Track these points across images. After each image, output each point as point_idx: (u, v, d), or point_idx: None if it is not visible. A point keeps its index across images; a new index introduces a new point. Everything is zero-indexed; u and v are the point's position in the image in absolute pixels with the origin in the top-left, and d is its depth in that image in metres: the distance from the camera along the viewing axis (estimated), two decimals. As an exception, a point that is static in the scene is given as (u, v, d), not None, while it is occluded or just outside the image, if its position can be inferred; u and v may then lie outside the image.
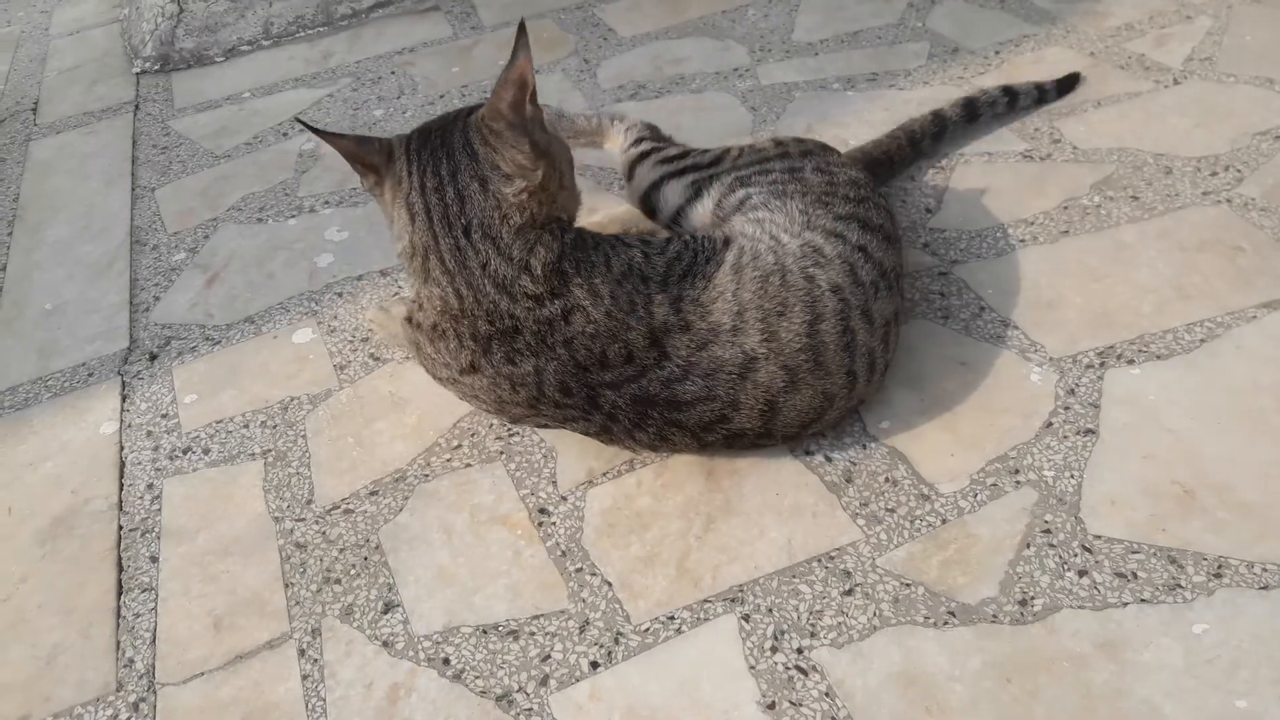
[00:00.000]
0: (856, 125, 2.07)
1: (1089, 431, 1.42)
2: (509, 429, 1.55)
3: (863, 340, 1.36)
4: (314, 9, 2.79)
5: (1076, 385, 1.49)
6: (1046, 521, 1.32)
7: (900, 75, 2.21)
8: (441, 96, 2.40)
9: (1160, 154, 1.88)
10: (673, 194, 1.63)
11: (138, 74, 2.73)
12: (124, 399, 1.73)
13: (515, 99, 1.29)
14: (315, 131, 1.34)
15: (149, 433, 1.66)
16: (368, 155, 1.34)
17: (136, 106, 2.58)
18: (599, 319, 1.28)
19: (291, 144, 2.32)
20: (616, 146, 1.91)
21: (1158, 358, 1.51)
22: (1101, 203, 1.80)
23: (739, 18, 2.51)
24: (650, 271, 1.33)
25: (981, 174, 1.90)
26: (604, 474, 1.47)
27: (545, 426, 1.46)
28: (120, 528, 1.52)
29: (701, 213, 1.58)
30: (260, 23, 2.77)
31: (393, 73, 2.53)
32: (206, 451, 1.61)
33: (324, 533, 1.45)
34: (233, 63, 2.71)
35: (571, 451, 1.51)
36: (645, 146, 1.77)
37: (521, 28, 1.29)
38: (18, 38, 3.07)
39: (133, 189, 2.27)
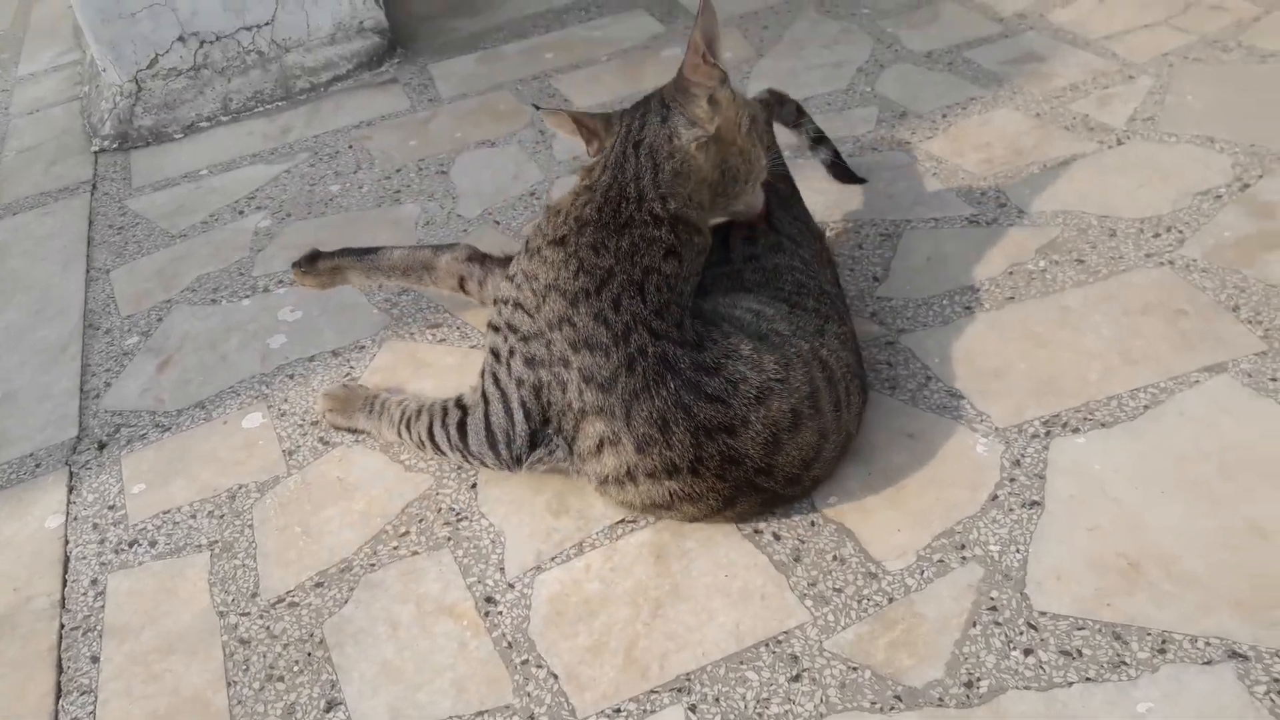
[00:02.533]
0: (807, 192, 2.07)
1: (1034, 504, 1.42)
2: (457, 515, 1.54)
3: (840, 378, 1.45)
4: (273, 84, 2.81)
5: (1022, 456, 1.49)
6: (992, 599, 1.31)
7: (849, 141, 2.23)
8: (398, 170, 2.41)
9: (1105, 215, 1.91)
10: None
11: (96, 152, 2.74)
12: (71, 490, 1.72)
13: (692, 61, 1.53)
14: (547, 112, 1.61)
15: (95, 525, 1.64)
16: (593, 123, 1.56)
17: (94, 186, 2.59)
18: (685, 274, 1.43)
19: (247, 222, 2.32)
20: None
21: (1102, 426, 1.52)
22: (1047, 267, 1.82)
23: (692, 85, 2.54)
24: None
25: (928, 240, 1.92)
26: (552, 558, 1.46)
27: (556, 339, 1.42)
28: (62, 626, 1.50)
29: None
30: (219, 99, 2.78)
31: (350, 146, 2.55)
32: (153, 544, 1.59)
33: (268, 627, 1.43)
34: (191, 139, 2.72)
35: (521, 534, 1.50)
36: None
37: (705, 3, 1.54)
38: (-22, 117, 3.08)
39: (88, 271, 2.27)
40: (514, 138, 2.46)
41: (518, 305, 1.45)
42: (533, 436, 1.44)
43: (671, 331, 1.36)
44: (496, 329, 1.50)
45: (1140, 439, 1.49)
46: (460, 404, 1.53)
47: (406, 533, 1.53)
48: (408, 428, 1.58)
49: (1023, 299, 1.76)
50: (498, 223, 2.17)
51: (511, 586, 1.43)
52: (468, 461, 1.54)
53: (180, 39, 2.72)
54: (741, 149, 1.55)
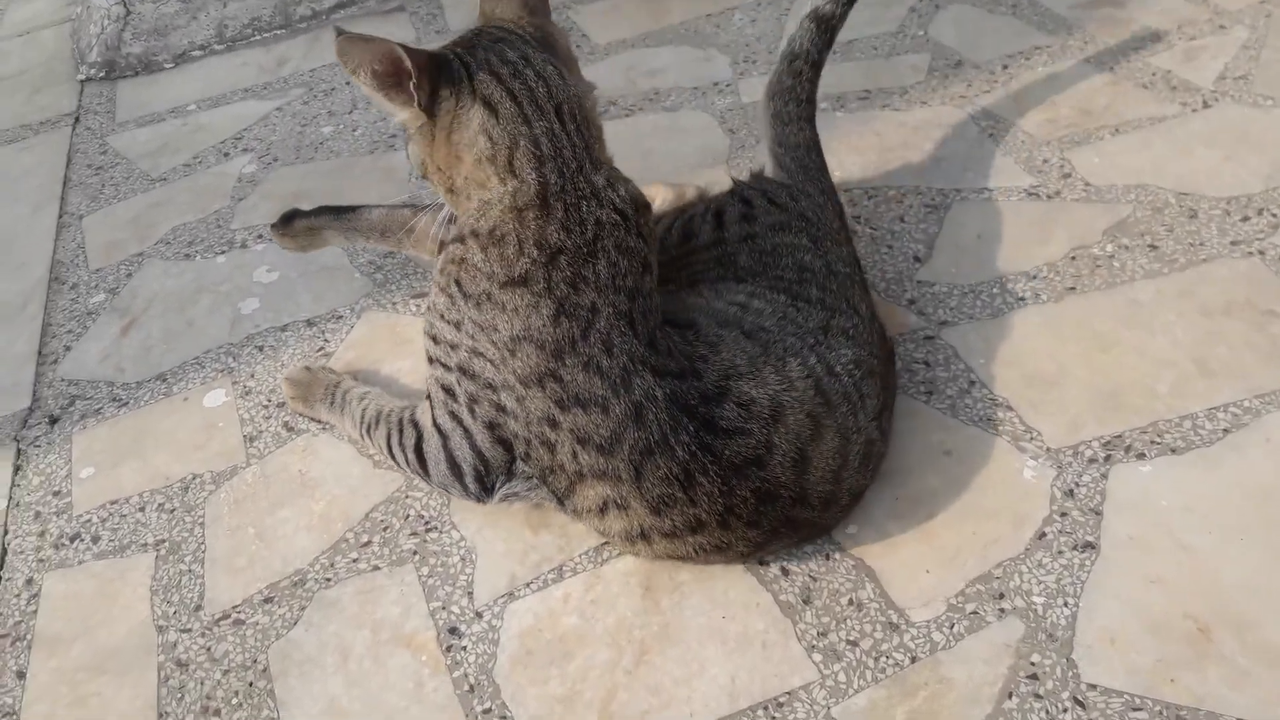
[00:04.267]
0: (844, 152, 1.86)
1: (1088, 546, 1.22)
2: (426, 523, 1.37)
3: (843, 370, 1.23)
4: (271, 10, 2.59)
5: (1076, 484, 1.28)
6: (1033, 664, 1.12)
7: (895, 93, 1.98)
8: (396, 112, 2.20)
9: (1184, 193, 1.66)
10: None
11: (82, 81, 2.54)
12: (16, 470, 1.57)
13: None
14: (350, 40, 1.13)
15: (37, 514, 1.49)
16: (422, 63, 1.12)
17: (76, 119, 2.40)
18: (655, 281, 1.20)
19: (231, 166, 2.13)
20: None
21: (1173, 451, 1.30)
22: (1115, 252, 1.58)
23: (724, 23, 2.29)
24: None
25: (980, 214, 1.68)
26: (528, 584, 1.28)
27: (541, 397, 1.17)
28: (-9, 632, 1.36)
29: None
30: (213, 25, 2.57)
31: (347, 83, 2.33)
32: (96, 539, 1.44)
33: (209, 649, 1.28)
34: (182, 69, 2.51)
35: (495, 552, 1.32)
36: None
37: None
38: (-35, 38, 2.89)
39: (60, 215, 2.09)
40: (524, 78, 2.23)
41: (475, 352, 1.20)
42: (509, 467, 1.24)
43: (668, 364, 1.15)
44: (445, 366, 1.24)
45: (1217, 470, 1.27)
46: (415, 422, 1.33)
47: (368, 542, 1.36)
48: (368, 432, 1.40)
49: (1086, 290, 1.53)
50: (499, 177, 1.95)
51: (479, 616, 1.26)
52: (430, 486, 1.36)
53: (170, -42, 2.50)
54: None
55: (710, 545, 1.16)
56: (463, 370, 1.21)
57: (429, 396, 1.29)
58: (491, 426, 1.20)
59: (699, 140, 1.95)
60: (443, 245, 1.27)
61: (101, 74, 2.54)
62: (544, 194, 1.14)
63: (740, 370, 1.16)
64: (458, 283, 1.19)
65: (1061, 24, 2.09)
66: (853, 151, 1.85)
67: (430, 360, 1.27)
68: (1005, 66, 2.00)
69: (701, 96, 2.07)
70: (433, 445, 1.28)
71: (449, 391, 1.24)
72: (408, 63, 1.11)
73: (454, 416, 1.24)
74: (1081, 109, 1.86)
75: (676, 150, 1.93)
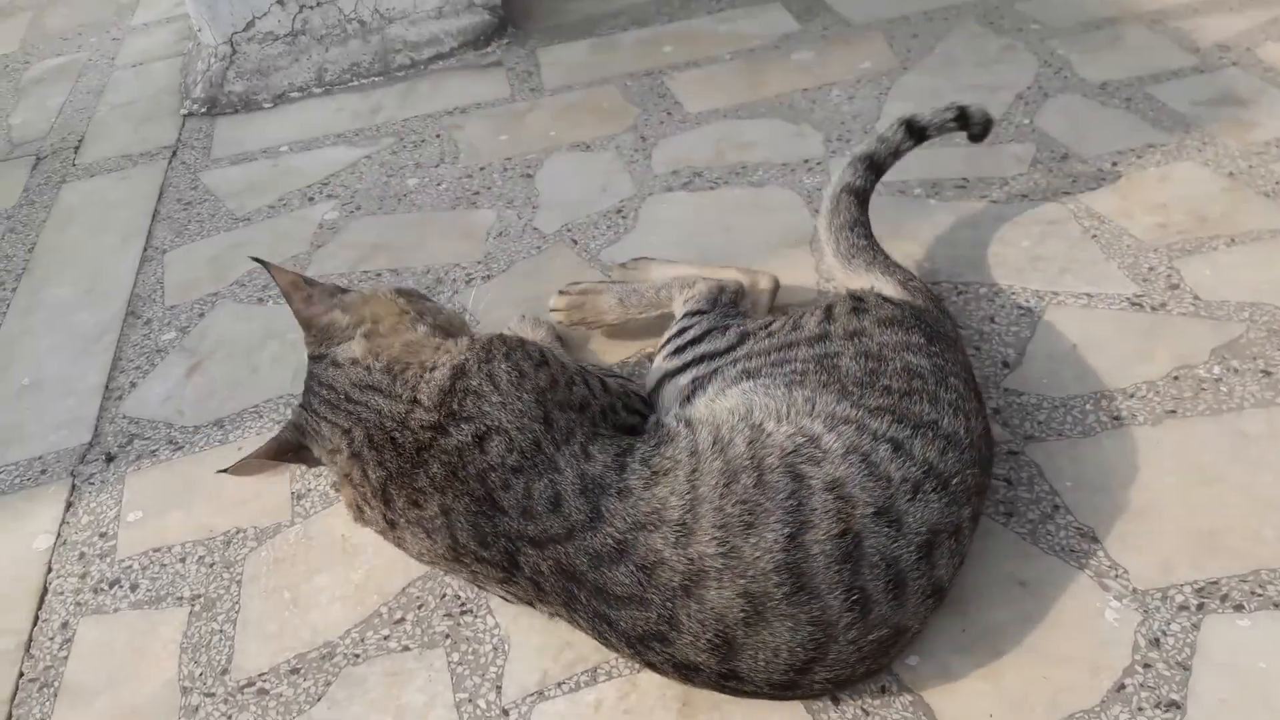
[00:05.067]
0: (934, 243, 1.77)
1: (1173, 705, 1.10)
2: (461, 605, 1.31)
3: (876, 547, 1.07)
4: (371, 57, 2.62)
5: (1164, 634, 1.17)
6: (1103, 839, 1.01)
7: (995, 184, 1.89)
8: (482, 168, 2.19)
9: (1305, 315, 1.54)
10: (668, 397, 1.36)
11: (184, 116, 2.60)
12: (68, 507, 1.56)
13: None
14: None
15: (82, 554, 1.48)
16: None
17: (174, 152, 2.45)
18: (520, 442, 1.13)
19: (315, 211, 2.14)
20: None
21: (1276, 606, 1.18)
22: (1223, 375, 1.46)
23: (820, 99, 2.23)
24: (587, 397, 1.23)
25: (1078, 321, 1.58)
26: (559, 683, 1.21)
27: (496, 592, 1.22)
28: (21, 675, 1.33)
29: (697, 415, 1.26)
30: (314, 69, 2.61)
31: (438, 135, 2.33)
32: (134, 587, 1.42)
33: (229, 717, 1.24)
34: (279, 110, 2.55)
35: (530, 644, 1.26)
36: (673, 331, 1.46)
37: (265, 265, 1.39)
38: (82, 66, 2.99)
39: (145, 249, 2.12)
40: (611, 142, 2.20)
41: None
42: None
43: (549, 526, 1.10)
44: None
45: (1327, 634, 1.15)
46: None
47: (401, 619, 1.31)
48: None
49: (1188, 415, 1.41)
50: (575, 241, 1.92)
51: (505, 714, 1.19)
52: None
53: (279, 1, 2.55)
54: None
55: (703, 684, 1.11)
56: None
57: None
58: None
59: (783, 219, 1.89)
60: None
61: (203, 110, 2.59)
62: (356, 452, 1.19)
63: (664, 519, 1.07)
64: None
65: (1179, 121, 1.98)
66: (944, 243, 1.77)
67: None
68: (1114, 164, 1.90)
69: (790, 174, 2.01)
70: None
71: None
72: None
73: None
74: (1195, 215, 1.75)
75: (760, 227, 1.87)
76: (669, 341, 1.43)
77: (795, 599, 1.03)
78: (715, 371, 1.30)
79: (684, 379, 1.33)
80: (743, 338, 1.37)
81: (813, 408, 1.15)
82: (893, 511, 1.08)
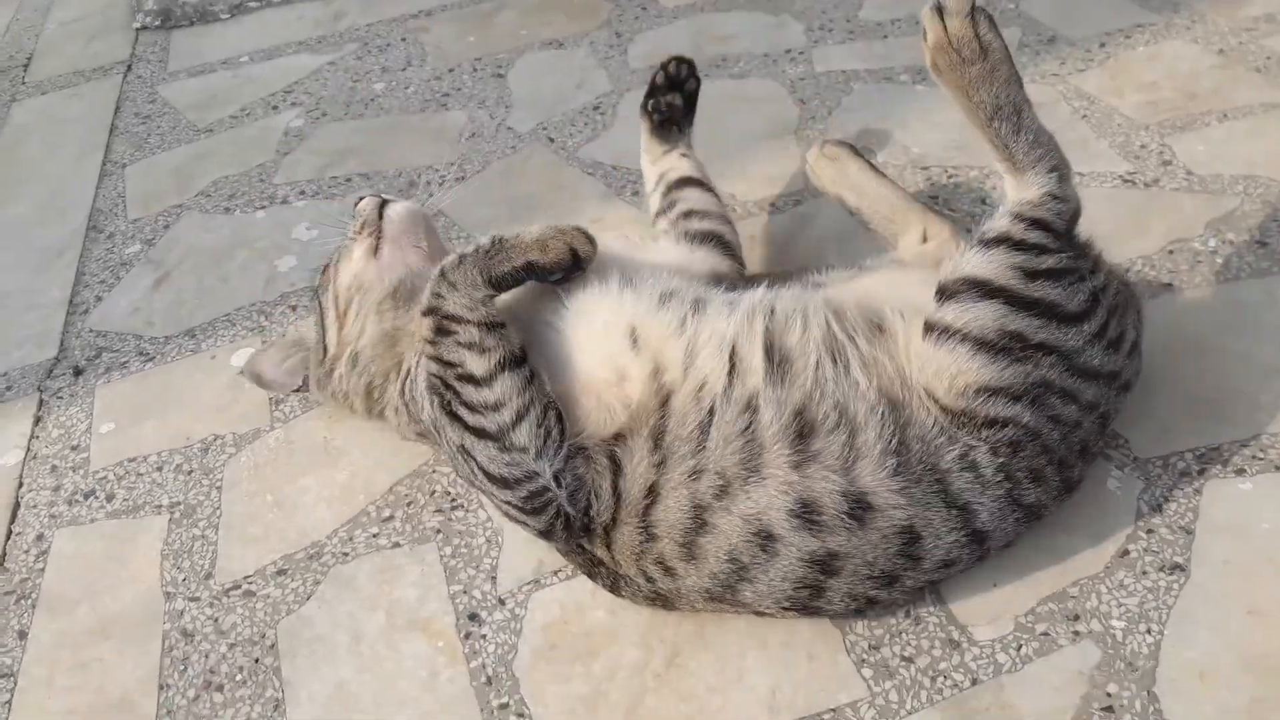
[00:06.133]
0: (921, 128, 1.73)
1: (1177, 568, 1.09)
2: (452, 500, 1.28)
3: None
4: (330, -37, 2.51)
5: (1166, 499, 1.15)
6: (1109, 695, 1.00)
7: (981, 68, 1.84)
8: (451, 70, 2.11)
9: (1300, 186, 1.51)
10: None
11: (138, 29, 2.49)
12: (37, 421, 1.51)
13: None
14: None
15: (54, 467, 1.43)
16: None
17: (129, 67, 2.35)
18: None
19: (279, 120, 2.06)
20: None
21: (1277, 469, 1.16)
22: (1219, 248, 1.44)
23: (799, -11, 2.16)
24: None
25: (1069, 200, 1.54)
26: (555, 572, 1.18)
27: None
28: (-4, 588, 1.30)
29: None
30: (272, -24, 2.50)
31: (403, 39, 2.25)
32: (110, 498, 1.38)
33: (216, 620, 1.20)
34: (237, 20, 2.45)
35: (522, 535, 1.22)
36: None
37: None
38: (27, -17, 2.86)
39: (104, 164, 2.04)
40: (585, 39, 2.13)
41: None
42: None
43: None
44: None
45: (1329, 493, 1.14)
46: None
47: (390, 517, 1.28)
48: None
49: (1184, 287, 1.39)
50: (552, 139, 1.86)
51: (502, 603, 1.16)
52: None
53: (231, -94, 2.43)
54: None
55: None
56: None
57: None
58: None
59: (767, 111, 1.84)
60: None
61: (157, 22, 2.49)
62: None
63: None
64: None
65: (1167, 0, 1.93)
66: (933, 128, 1.73)
67: None
68: (1102, 44, 1.85)
69: (772, 65, 1.95)
70: None
71: None
72: None
73: None
74: (1185, 92, 1.71)
75: (743, 121, 1.82)
76: (1002, 242, 1.07)
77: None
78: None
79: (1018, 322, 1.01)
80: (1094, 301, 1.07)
81: None
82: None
